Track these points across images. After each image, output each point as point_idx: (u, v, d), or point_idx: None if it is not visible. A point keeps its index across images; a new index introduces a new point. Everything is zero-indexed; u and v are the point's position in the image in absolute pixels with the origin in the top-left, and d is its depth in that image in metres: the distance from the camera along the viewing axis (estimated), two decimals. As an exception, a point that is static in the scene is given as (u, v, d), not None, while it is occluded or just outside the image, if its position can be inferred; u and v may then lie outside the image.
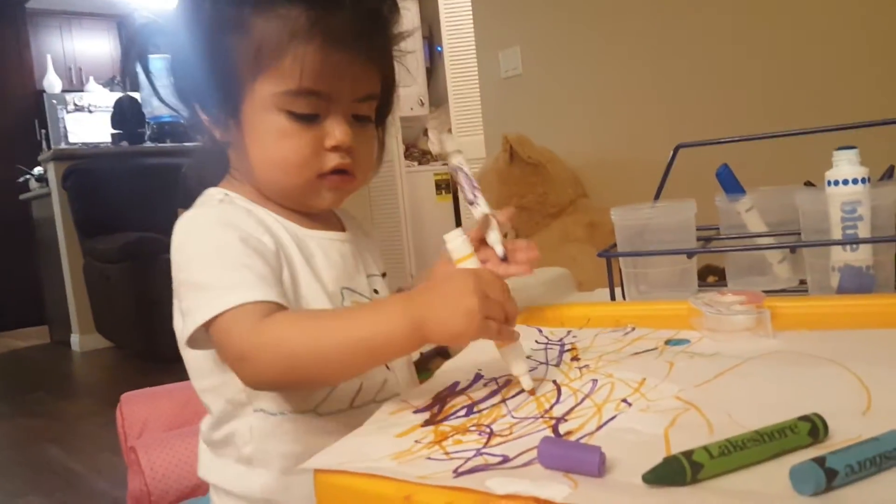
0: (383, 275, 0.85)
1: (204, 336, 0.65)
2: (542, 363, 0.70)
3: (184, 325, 0.67)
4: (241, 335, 0.63)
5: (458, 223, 5.03)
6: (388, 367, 0.77)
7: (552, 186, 2.54)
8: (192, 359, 0.73)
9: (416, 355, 0.91)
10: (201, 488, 1.24)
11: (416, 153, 5.37)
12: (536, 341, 0.77)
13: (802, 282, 0.92)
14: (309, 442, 0.71)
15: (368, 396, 0.74)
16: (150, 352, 3.57)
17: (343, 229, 0.82)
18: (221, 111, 0.72)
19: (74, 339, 4.39)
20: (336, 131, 0.72)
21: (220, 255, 0.67)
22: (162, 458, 1.26)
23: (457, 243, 0.66)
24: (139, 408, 1.43)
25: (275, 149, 0.72)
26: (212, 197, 0.75)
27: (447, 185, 5.19)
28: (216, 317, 0.63)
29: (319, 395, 0.72)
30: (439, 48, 5.12)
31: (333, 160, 0.73)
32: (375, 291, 0.81)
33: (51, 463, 2.41)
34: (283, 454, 0.71)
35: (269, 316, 0.63)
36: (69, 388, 3.66)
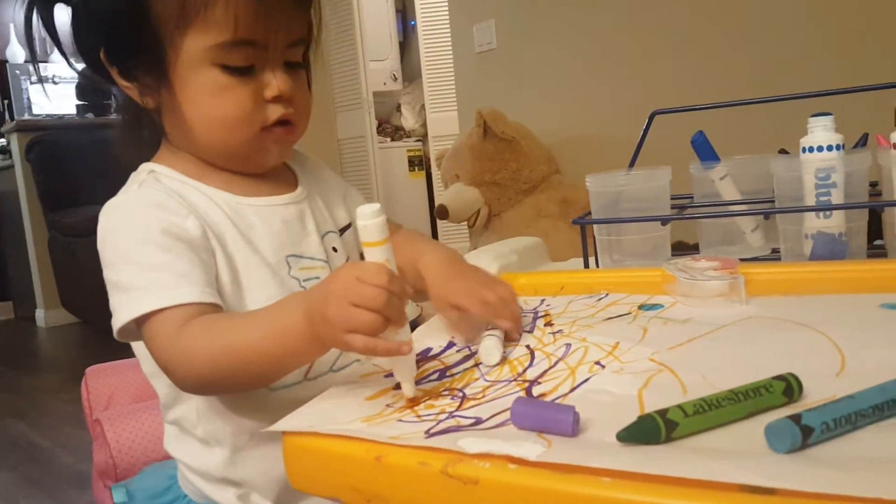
0: (346, 228, 0.80)
1: (132, 328, 0.64)
2: (514, 329, 0.69)
3: (113, 321, 0.65)
4: (160, 346, 0.62)
5: (431, 201, 5.01)
6: None
7: (525, 162, 2.53)
8: (138, 345, 0.71)
9: None
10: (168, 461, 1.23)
11: (389, 129, 5.33)
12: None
13: (775, 250, 0.92)
14: (262, 418, 0.68)
15: (324, 367, 0.72)
16: (117, 327, 3.51)
17: (294, 186, 0.77)
18: (148, 74, 0.68)
19: (39, 314, 4.32)
20: (274, 81, 0.68)
21: (137, 252, 0.64)
22: (128, 430, 1.25)
23: (370, 224, 0.53)
24: (105, 381, 1.41)
25: (213, 106, 0.67)
26: (136, 177, 0.71)
27: (420, 162, 5.17)
28: (140, 317, 0.62)
29: None
30: (413, 22, 5.07)
31: (276, 111, 0.69)
32: (334, 250, 0.77)
33: (15, 438, 2.37)
34: (235, 432, 0.69)
35: (186, 325, 0.61)
36: (34, 363, 3.61)
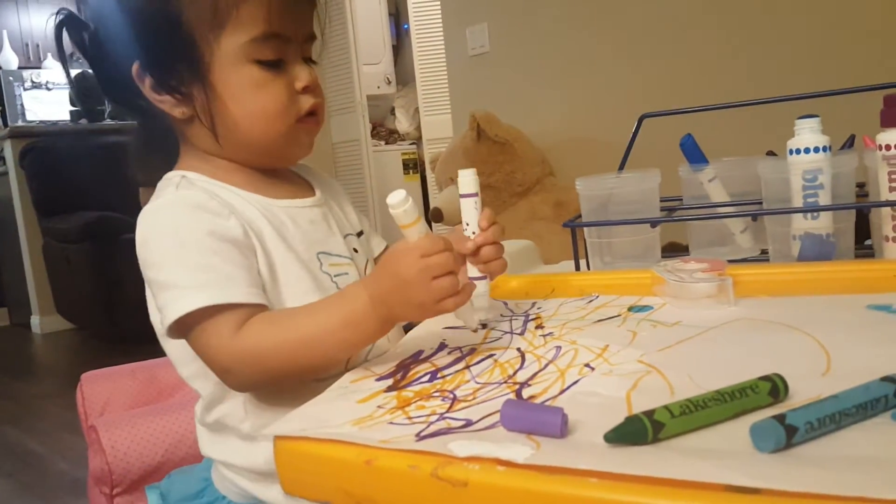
0: (359, 233, 0.83)
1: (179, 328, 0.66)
2: (506, 332, 0.69)
3: (161, 320, 0.67)
4: (219, 348, 0.64)
5: (426, 204, 5.02)
6: None
7: (519, 165, 2.54)
8: (174, 348, 0.72)
9: None
10: (165, 466, 1.23)
11: (384, 132, 5.33)
12: (501, 315, 0.76)
13: (764, 251, 0.93)
14: None
15: (361, 358, 0.73)
16: (112, 333, 3.51)
17: (312, 192, 0.81)
18: (185, 82, 0.70)
19: (34, 320, 4.31)
20: (302, 73, 0.72)
21: (185, 253, 0.66)
22: (123, 436, 1.25)
23: (403, 210, 0.62)
24: (100, 387, 1.41)
25: (253, 101, 0.71)
26: (169, 182, 0.73)
27: (415, 165, 5.17)
28: (191, 316, 0.64)
29: None
30: (406, 26, 5.08)
31: (308, 101, 0.73)
32: (355, 251, 0.80)
33: (10, 444, 2.37)
34: None
35: (243, 326, 0.64)
36: (29, 369, 3.60)
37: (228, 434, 0.73)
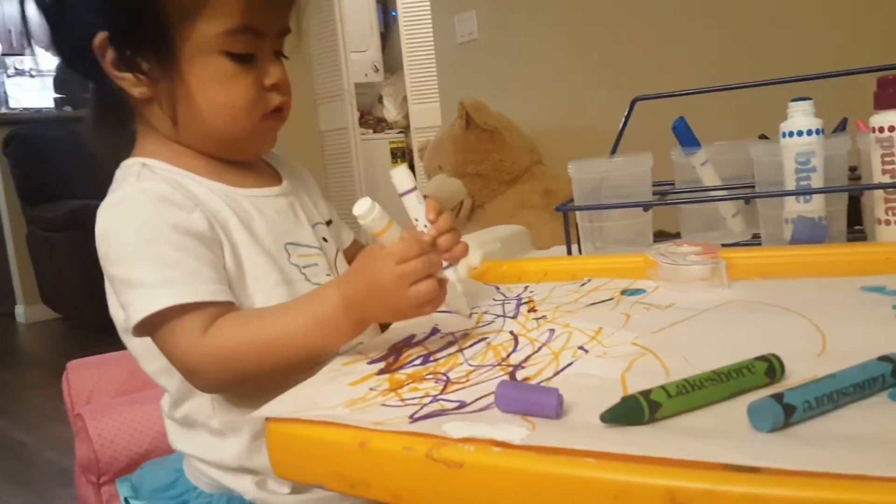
0: (328, 222, 0.82)
1: (146, 325, 0.64)
2: (498, 316, 0.69)
3: (126, 318, 0.65)
4: (187, 349, 0.63)
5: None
6: None
7: (508, 153, 2.53)
8: (137, 346, 0.71)
9: None
10: (152, 454, 1.22)
11: (371, 121, 5.31)
12: (493, 298, 0.76)
13: (756, 236, 0.93)
14: None
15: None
16: (98, 322, 3.45)
17: (279, 180, 0.79)
18: (151, 63, 0.67)
19: (19, 310, 4.28)
20: (272, 69, 0.71)
21: (149, 249, 0.64)
22: (110, 424, 1.24)
23: (371, 218, 0.59)
24: (86, 375, 1.40)
25: (221, 94, 0.69)
26: (129, 171, 0.70)
27: (403, 154, 5.15)
28: (157, 316, 0.62)
29: None
30: (394, 13, 5.05)
31: (275, 99, 0.72)
32: (325, 240, 0.78)
33: (-5, 434, 2.35)
34: (253, 419, 0.68)
35: (212, 326, 0.62)
36: (14, 359, 3.57)
37: (198, 429, 0.72)
